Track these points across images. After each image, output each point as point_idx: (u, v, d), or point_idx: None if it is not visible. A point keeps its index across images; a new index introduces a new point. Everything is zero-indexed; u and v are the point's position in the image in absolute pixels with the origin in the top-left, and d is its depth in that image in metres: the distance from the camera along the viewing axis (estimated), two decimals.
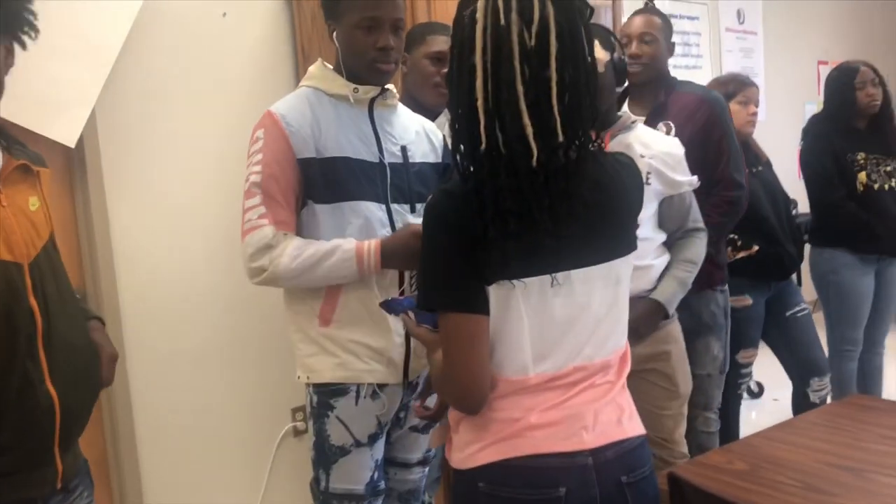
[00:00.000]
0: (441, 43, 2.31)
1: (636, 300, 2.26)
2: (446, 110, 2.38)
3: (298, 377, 1.88)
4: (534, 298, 1.28)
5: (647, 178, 2.24)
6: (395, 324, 1.83)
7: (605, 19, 3.31)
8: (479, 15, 1.20)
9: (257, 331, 2.93)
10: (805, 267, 3.48)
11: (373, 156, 1.84)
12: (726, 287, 2.72)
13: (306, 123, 1.79)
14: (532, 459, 1.27)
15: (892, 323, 3.60)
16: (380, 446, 1.90)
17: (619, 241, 1.35)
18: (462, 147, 1.27)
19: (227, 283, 2.84)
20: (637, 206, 1.39)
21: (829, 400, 3.00)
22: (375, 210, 1.83)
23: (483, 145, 1.23)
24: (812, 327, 3.08)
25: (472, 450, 1.31)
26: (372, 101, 1.87)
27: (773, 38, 6.05)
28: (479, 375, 1.28)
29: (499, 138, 1.22)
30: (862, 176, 3.27)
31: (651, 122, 2.64)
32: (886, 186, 3.28)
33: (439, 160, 2.03)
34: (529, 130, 1.20)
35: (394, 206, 1.86)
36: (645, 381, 2.32)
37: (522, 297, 1.27)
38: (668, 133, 2.59)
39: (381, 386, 1.84)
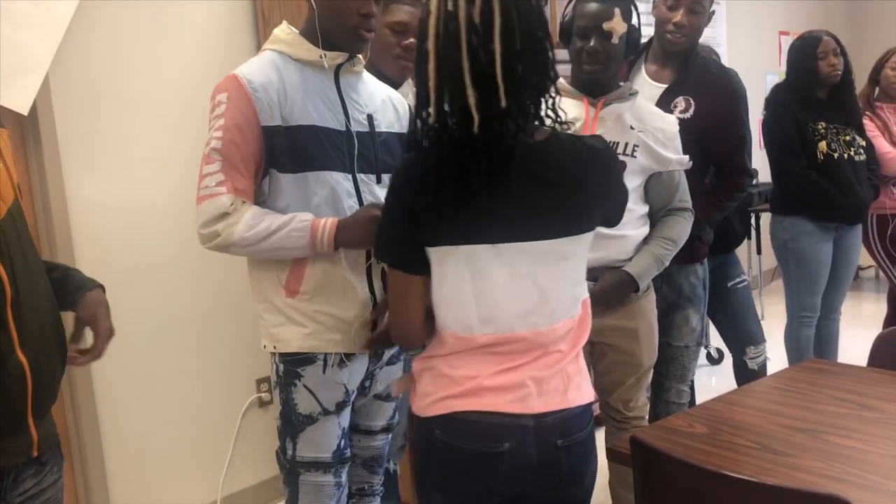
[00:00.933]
0: (403, 13, 2.27)
1: (608, 269, 2.27)
2: (409, 81, 2.35)
3: (264, 346, 1.86)
4: (476, 264, 1.39)
5: (634, 151, 2.24)
6: (363, 293, 1.82)
7: None
8: (433, 5, 1.33)
9: (221, 301, 2.91)
10: (765, 235, 3.53)
11: (339, 124, 1.81)
12: (705, 261, 2.74)
13: (273, 89, 1.75)
14: (482, 415, 1.40)
15: (848, 290, 3.68)
16: (346, 414, 1.90)
17: (571, 221, 1.42)
18: (417, 123, 1.38)
19: (189, 253, 2.81)
20: (601, 189, 1.45)
21: (767, 365, 3.06)
22: (342, 180, 1.80)
23: (432, 119, 1.35)
24: (750, 298, 3.12)
25: (430, 400, 1.44)
26: (338, 67, 1.84)
27: (735, 7, 6.08)
28: (410, 325, 1.47)
29: (446, 112, 1.33)
30: (822, 145, 3.32)
31: (672, 93, 2.60)
32: (846, 155, 3.33)
33: (404, 130, 2.00)
34: (472, 101, 1.31)
35: (360, 176, 1.83)
36: (609, 350, 2.34)
37: (465, 261, 1.39)
38: (686, 109, 2.55)
39: (348, 354, 1.84)
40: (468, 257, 1.38)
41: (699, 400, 3.09)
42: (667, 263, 2.32)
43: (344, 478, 1.91)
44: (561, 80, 2.35)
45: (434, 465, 1.45)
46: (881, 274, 3.95)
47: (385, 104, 1.95)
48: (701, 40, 2.74)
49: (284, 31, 1.84)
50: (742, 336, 3.06)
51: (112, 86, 2.63)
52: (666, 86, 2.62)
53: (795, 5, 6.84)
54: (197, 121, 2.65)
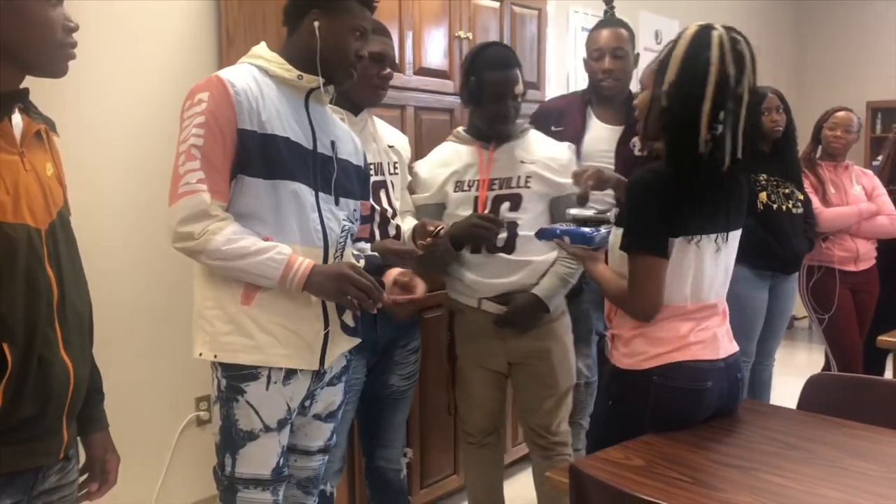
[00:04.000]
0: (379, 44, 2.28)
1: (518, 293, 2.39)
2: (366, 110, 2.37)
3: (200, 355, 1.82)
4: (698, 250, 1.88)
5: (528, 182, 2.40)
6: (318, 310, 1.84)
7: (529, 28, 3.38)
8: (714, 62, 1.78)
9: (168, 317, 2.87)
10: None
11: (307, 142, 1.86)
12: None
13: (251, 96, 1.77)
14: (691, 363, 1.88)
15: (782, 338, 3.80)
16: (286, 432, 1.89)
17: (740, 216, 1.99)
18: (677, 146, 1.83)
19: (146, 260, 2.78)
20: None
21: None
22: (308, 194, 1.83)
23: (699, 149, 1.80)
24: None
25: (647, 355, 1.91)
26: (310, 92, 1.88)
27: None
28: (656, 299, 1.88)
29: (705, 145, 1.80)
30: (762, 196, 3.44)
31: (628, 133, 2.76)
32: (784, 207, 3.46)
33: (360, 164, 2.06)
34: (728, 143, 1.81)
35: (321, 195, 1.86)
36: (525, 372, 2.46)
37: (693, 248, 1.87)
38: (643, 148, 2.66)
39: (292, 371, 1.84)
40: (696, 245, 1.87)
41: None
42: (573, 281, 2.46)
43: (281, 496, 1.90)
44: (458, 129, 2.50)
45: (652, 403, 1.88)
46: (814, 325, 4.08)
47: (345, 134, 2.01)
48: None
49: (263, 49, 1.89)
50: None
51: (72, 96, 2.60)
52: (623, 126, 2.78)
53: None
54: (157, 140, 2.64)
